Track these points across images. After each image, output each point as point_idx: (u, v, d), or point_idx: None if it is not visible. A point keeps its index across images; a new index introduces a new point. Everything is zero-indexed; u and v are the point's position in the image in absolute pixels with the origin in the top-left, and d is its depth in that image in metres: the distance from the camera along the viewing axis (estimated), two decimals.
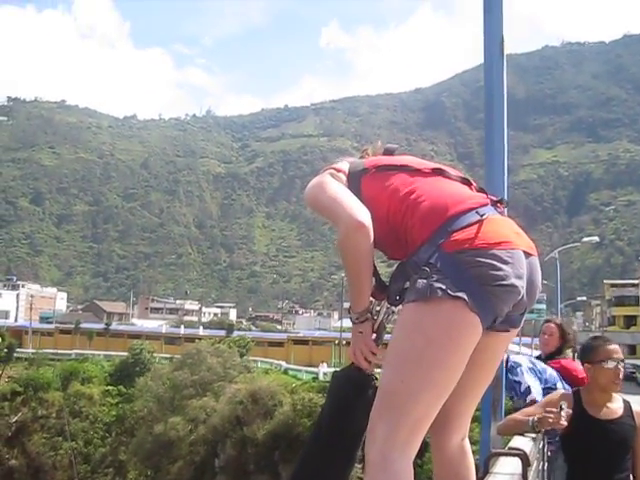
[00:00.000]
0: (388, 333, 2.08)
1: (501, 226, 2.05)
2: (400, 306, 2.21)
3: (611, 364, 3.89)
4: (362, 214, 2.11)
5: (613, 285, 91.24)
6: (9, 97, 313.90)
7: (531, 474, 3.18)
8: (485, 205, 2.09)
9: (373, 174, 2.27)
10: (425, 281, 1.94)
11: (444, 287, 1.90)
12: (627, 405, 4.07)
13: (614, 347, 4.00)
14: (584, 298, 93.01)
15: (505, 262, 1.94)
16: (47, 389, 43.58)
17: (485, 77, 4.69)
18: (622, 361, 3.93)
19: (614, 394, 4.11)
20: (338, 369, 2.42)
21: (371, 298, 2.27)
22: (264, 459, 32.11)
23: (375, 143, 2.53)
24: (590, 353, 4.06)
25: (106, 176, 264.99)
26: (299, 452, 2.33)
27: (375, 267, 2.21)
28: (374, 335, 2.29)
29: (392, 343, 2.02)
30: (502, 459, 2.94)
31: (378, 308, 2.31)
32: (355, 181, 2.27)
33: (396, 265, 2.23)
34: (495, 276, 1.92)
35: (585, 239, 47.48)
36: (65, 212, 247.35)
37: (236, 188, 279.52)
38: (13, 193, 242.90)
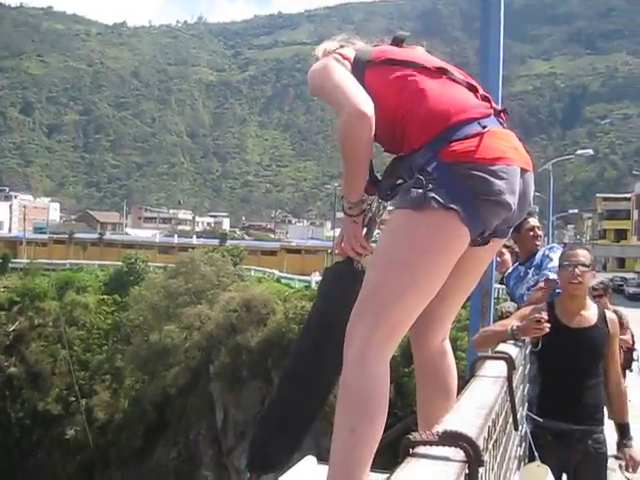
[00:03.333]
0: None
1: (501, 140, 2.02)
2: (390, 202, 2.22)
3: (567, 267, 3.96)
4: (366, 104, 2.04)
5: (605, 199, 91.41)
6: None
7: (516, 378, 3.24)
8: (488, 116, 2.06)
9: (378, 67, 2.19)
10: (420, 191, 1.92)
11: (439, 198, 1.90)
12: (601, 312, 4.13)
13: (574, 252, 4.06)
14: (576, 211, 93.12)
15: (500, 178, 1.94)
16: (43, 298, 43.84)
17: None
18: (585, 265, 3.95)
19: (589, 302, 4.17)
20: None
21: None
22: (257, 366, 32.60)
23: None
24: (559, 260, 4.18)
25: (96, 85, 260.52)
26: (289, 350, 2.36)
27: (371, 161, 2.17)
28: (365, 229, 2.29)
29: (379, 247, 2.02)
30: (488, 363, 2.95)
31: (370, 202, 2.29)
32: (359, 71, 2.19)
33: (390, 161, 2.18)
34: (489, 190, 1.93)
35: (579, 152, 46.67)
36: (55, 122, 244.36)
37: (229, 97, 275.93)
38: (2, 103, 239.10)
